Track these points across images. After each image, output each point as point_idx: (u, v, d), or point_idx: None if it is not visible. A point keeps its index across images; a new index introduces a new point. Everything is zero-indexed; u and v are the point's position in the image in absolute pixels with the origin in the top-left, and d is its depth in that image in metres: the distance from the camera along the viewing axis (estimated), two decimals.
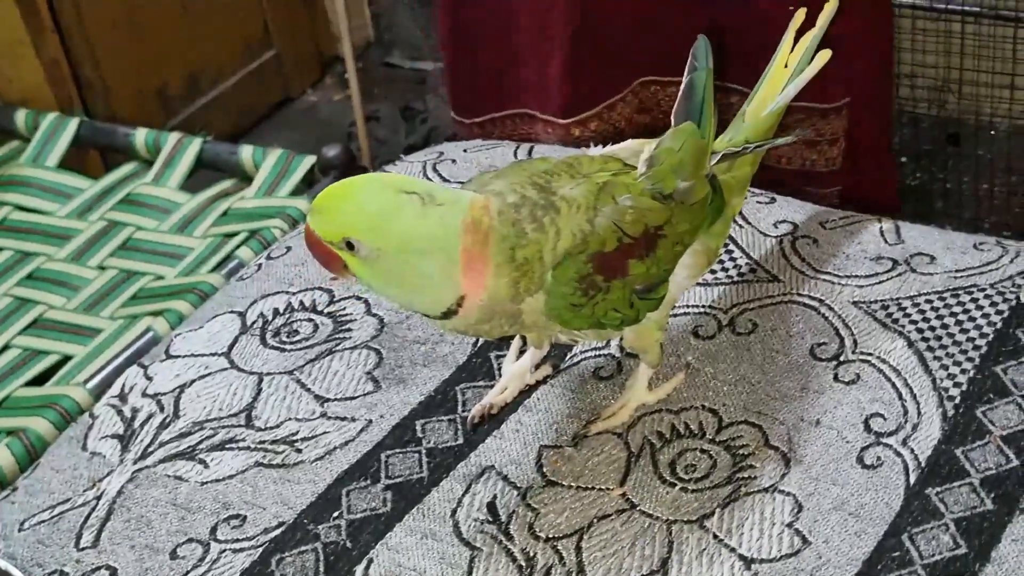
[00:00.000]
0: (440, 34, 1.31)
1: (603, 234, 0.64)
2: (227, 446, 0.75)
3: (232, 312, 0.86)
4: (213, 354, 0.82)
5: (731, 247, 0.85)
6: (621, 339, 0.73)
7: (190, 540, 0.70)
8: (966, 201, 1.43)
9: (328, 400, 0.77)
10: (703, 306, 0.81)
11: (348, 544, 0.68)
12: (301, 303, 0.85)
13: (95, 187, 1.21)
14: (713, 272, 0.83)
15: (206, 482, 0.73)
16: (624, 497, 0.69)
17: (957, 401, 0.72)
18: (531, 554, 0.66)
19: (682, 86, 0.71)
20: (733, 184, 0.73)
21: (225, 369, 0.80)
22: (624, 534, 0.67)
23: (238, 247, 1.13)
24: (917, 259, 0.83)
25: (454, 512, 0.69)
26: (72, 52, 1.53)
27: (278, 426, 0.76)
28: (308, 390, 0.78)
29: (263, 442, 0.75)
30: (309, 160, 1.22)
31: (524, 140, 1.17)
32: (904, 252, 0.84)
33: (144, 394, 0.80)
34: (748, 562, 0.65)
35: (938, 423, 0.71)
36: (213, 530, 0.70)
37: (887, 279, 0.82)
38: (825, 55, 0.72)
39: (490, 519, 0.68)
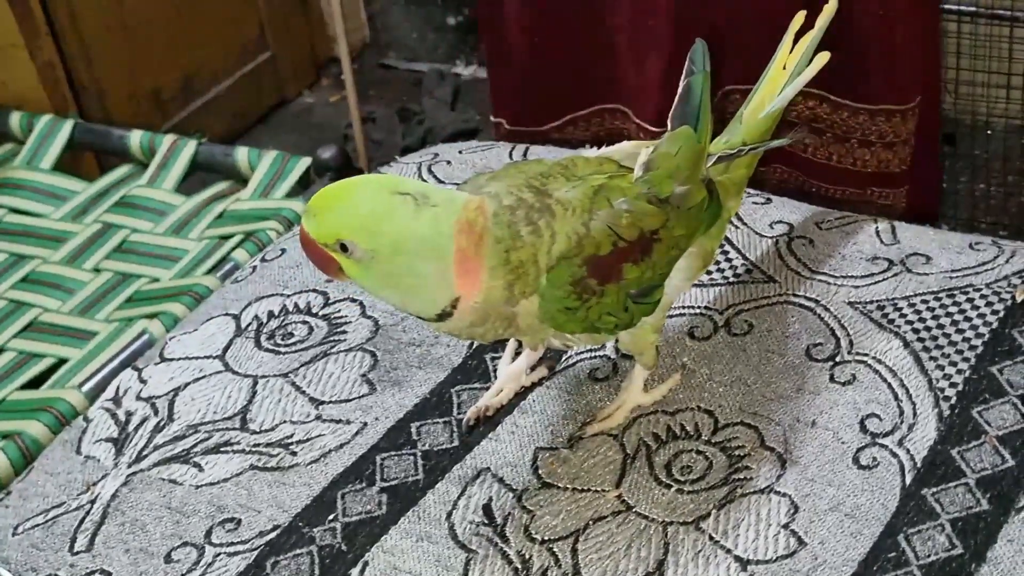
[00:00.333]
0: (504, 36, 1.26)
1: (598, 237, 0.64)
2: (222, 449, 0.74)
3: (227, 315, 0.86)
4: (208, 357, 0.82)
5: (727, 248, 0.85)
6: (617, 340, 0.73)
7: (185, 544, 0.69)
8: (962, 201, 1.43)
9: (323, 403, 0.77)
10: (699, 307, 0.81)
11: (343, 547, 0.68)
12: (296, 305, 0.85)
13: (90, 189, 1.20)
14: (709, 273, 0.83)
15: (201, 485, 0.73)
16: (620, 499, 0.69)
17: (953, 401, 0.72)
18: (527, 556, 0.66)
19: (679, 90, 0.70)
20: (729, 186, 0.73)
21: (220, 372, 0.80)
22: (620, 536, 0.66)
23: (234, 249, 1.13)
24: (913, 259, 0.83)
25: (450, 514, 0.69)
26: (66, 55, 1.53)
27: (273, 429, 0.76)
28: (303, 392, 0.78)
29: (258, 445, 0.75)
30: (304, 162, 1.22)
31: (616, 137, 1.15)
32: (900, 252, 0.84)
33: (138, 397, 0.79)
34: (744, 563, 0.64)
35: (934, 423, 0.71)
36: (208, 533, 0.70)
37: (883, 279, 0.82)
38: (823, 57, 0.72)
39: (486, 521, 0.68)
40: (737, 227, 0.87)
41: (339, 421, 0.76)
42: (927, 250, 0.84)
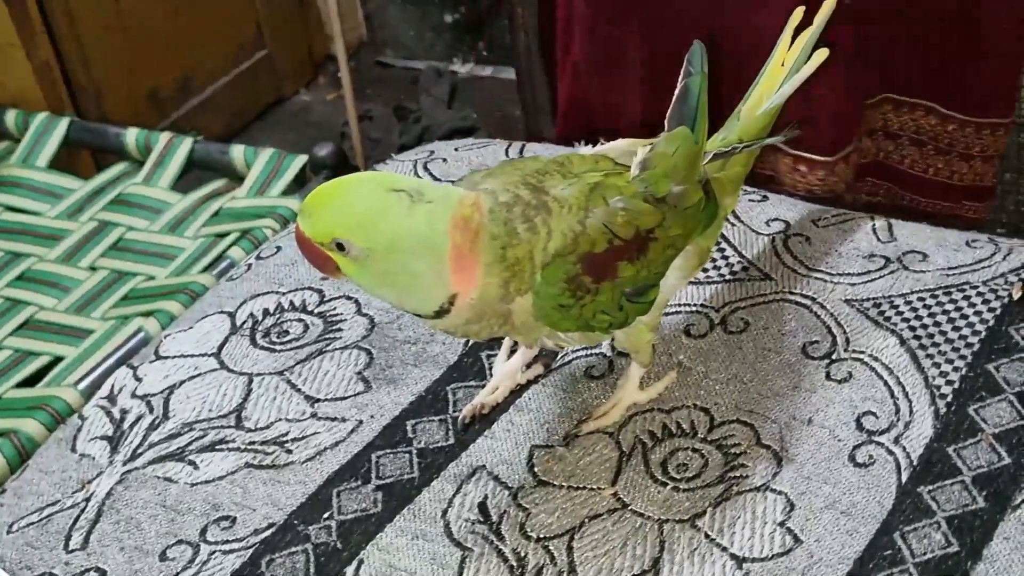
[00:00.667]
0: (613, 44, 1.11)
1: (593, 235, 0.63)
2: (217, 447, 0.74)
3: (222, 312, 0.85)
4: (203, 355, 0.81)
5: (723, 245, 0.85)
6: (612, 339, 0.73)
7: (180, 542, 0.69)
8: None
9: (318, 400, 0.77)
10: (695, 305, 0.81)
11: (339, 545, 0.68)
12: (291, 303, 0.85)
13: (86, 187, 1.20)
14: (705, 271, 0.83)
15: (196, 483, 0.72)
16: (615, 497, 0.68)
17: (949, 399, 0.72)
18: (522, 554, 0.66)
19: (676, 90, 0.70)
20: (726, 183, 0.73)
21: (215, 370, 0.80)
22: (615, 534, 0.66)
23: (229, 247, 1.13)
24: (909, 256, 0.83)
25: (445, 512, 0.69)
26: (63, 54, 1.53)
27: (268, 427, 0.75)
28: (298, 391, 0.78)
29: (253, 443, 0.74)
30: (301, 159, 1.21)
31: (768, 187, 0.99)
32: (897, 250, 0.84)
33: (134, 395, 0.79)
34: (740, 561, 0.64)
35: (930, 421, 0.71)
36: (203, 531, 0.70)
37: (879, 277, 0.81)
38: (822, 54, 0.72)
39: (481, 519, 0.68)
40: (733, 224, 0.87)
41: (334, 419, 0.75)
42: (924, 247, 0.84)
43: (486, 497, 0.69)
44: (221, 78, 1.84)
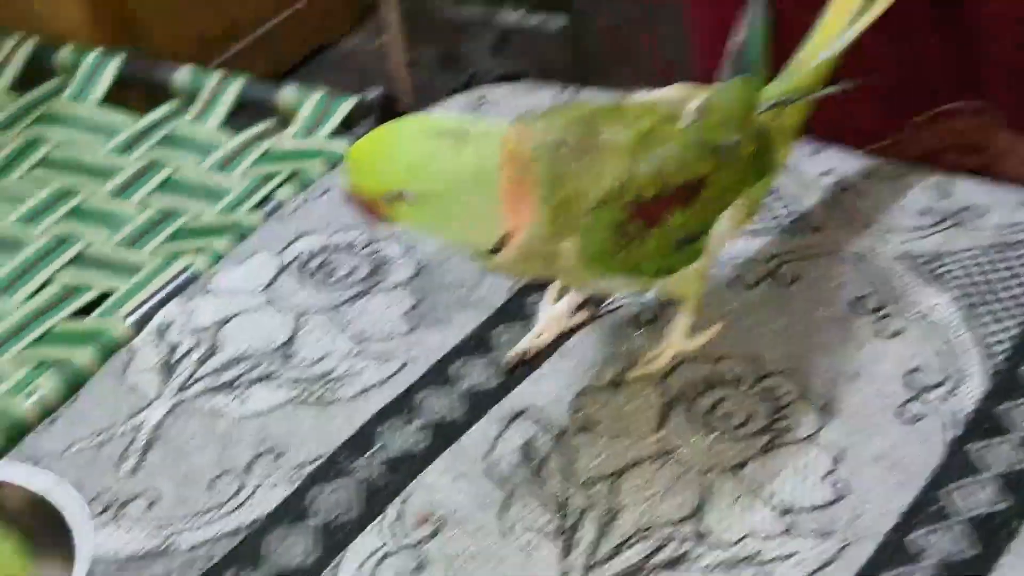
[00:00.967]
0: None
1: (642, 181, 0.63)
2: (265, 381, 0.75)
3: (271, 250, 0.86)
4: (252, 291, 0.82)
5: (776, 196, 0.84)
6: (660, 288, 0.73)
7: (227, 472, 0.71)
8: None
9: (365, 339, 0.77)
10: (744, 256, 0.80)
11: (383, 482, 0.69)
12: (339, 243, 0.85)
13: (137, 125, 1.21)
14: (757, 223, 0.82)
15: (244, 417, 0.74)
16: (659, 443, 0.69)
17: (1002, 358, 0.71)
18: (564, 497, 0.66)
19: (736, 38, 0.69)
20: (780, 134, 0.72)
21: (263, 306, 0.81)
22: (658, 480, 0.67)
23: (277, 187, 1.14)
24: (966, 213, 0.82)
25: (488, 454, 0.69)
26: None
27: (315, 363, 0.76)
28: (344, 329, 0.78)
29: (300, 379, 0.75)
30: (349, 102, 1.21)
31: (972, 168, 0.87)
32: (953, 206, 0.82)
33: (184, 329, 0.80)
34: (783, 512, 0.64)
35: (980, 380, 0.70)
36: (250, 464, 0.71)
37: (933, 233, 0.80)
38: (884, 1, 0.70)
39: (524, 462, 0.68)
40: (785, 175, 0.86)
41: (380, 359, 0.76)
42: (983, 204, 0.82)
43: (529, 440, 0.70)
44: (268, 21, 1.84)
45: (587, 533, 0.65)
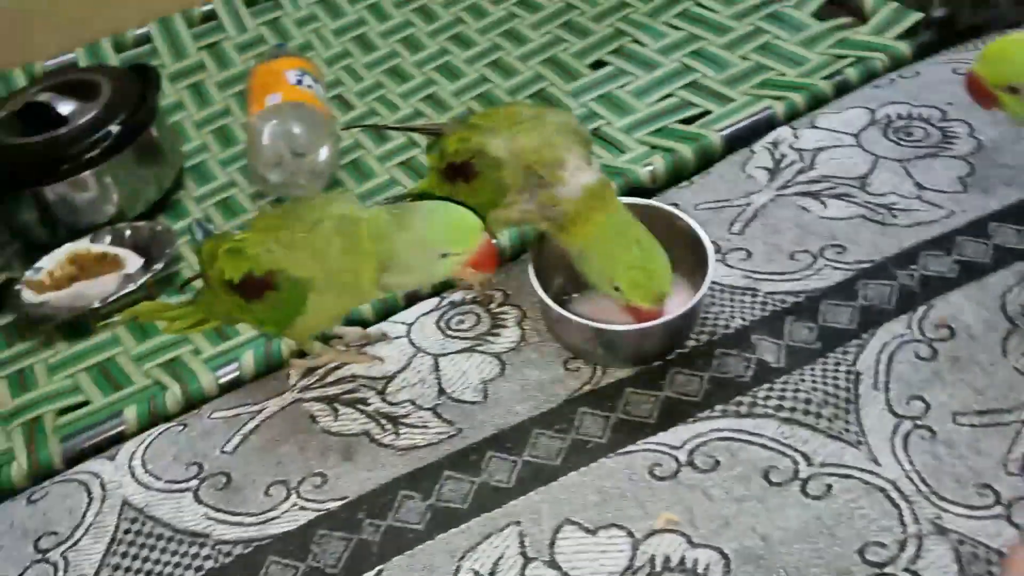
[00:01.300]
0: None
1: None
2: (843, 198, 1.03)
3: (864, 108, 1.13)
4: (846, 133, 1.10)
5: None
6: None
7: (804, 251, 1.00)
8: None
9: (924, 188, 1.02)
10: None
11: (917, 289, 0.95)
12: (921, 115, 1.10)
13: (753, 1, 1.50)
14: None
15: (822, 217, 1.02)
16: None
17: None
18: None
19: None
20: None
21: (852, 146, 1.08)
22: None
23: (845, 68, 1.38)
24: None
25: (1005, 293, 0.92)
26: None
27: (883, 196, 1.03)
28: (910, 176, 1.03)
29: (869, 203, 1.03)
30: (916, 16, 1.41)
31: None
32: None
33: (790, 147, 1.10)
34: None
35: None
36: (821, 249, 1.00)
37: None
38: None
39: None
40: None
41: (932, 204, 1.01)
42: None
43: None
44: None
45: None
